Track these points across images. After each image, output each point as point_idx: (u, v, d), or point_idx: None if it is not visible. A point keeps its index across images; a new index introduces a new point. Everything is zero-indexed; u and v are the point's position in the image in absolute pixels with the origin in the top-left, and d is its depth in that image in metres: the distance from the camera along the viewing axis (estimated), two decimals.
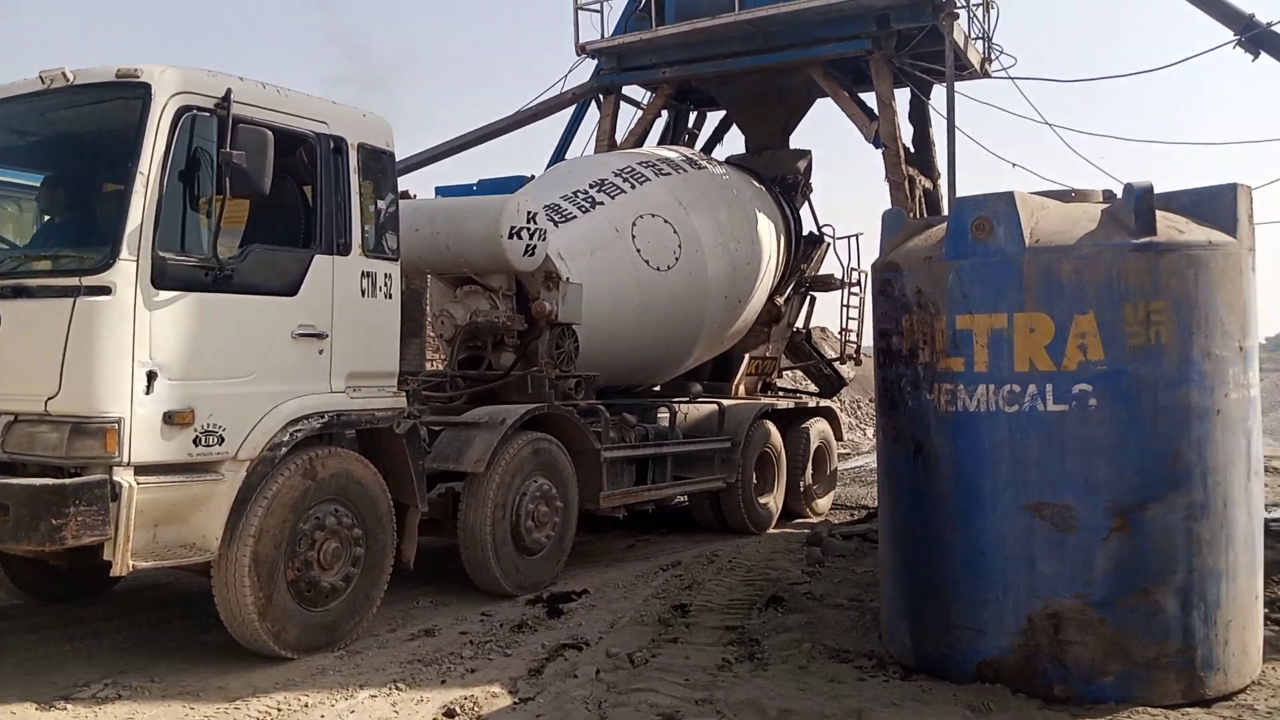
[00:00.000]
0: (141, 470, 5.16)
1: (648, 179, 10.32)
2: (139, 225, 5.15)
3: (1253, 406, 5.41)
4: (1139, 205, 5.11)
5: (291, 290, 5.88)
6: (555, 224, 8.95)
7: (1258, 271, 5.51)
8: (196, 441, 5.39)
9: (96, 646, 6.24)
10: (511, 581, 7.58)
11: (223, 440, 5.50)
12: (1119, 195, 5.38)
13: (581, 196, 9.72)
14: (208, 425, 5.43)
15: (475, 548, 7.43)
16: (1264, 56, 11.45)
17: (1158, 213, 5.12)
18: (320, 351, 6.02)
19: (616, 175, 10.17)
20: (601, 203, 9.75)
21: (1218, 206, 5.31)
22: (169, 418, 5.26)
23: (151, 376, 5.20)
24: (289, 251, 5.97)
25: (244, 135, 5.37)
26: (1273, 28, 11.24)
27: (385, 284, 6.42)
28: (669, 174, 10.65)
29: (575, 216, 9.43)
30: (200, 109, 5.42)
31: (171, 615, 6.99)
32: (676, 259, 9.93)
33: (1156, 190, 5.19)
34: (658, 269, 9.73)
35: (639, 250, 9.62)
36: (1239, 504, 5.27)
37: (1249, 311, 5.34)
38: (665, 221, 9.97)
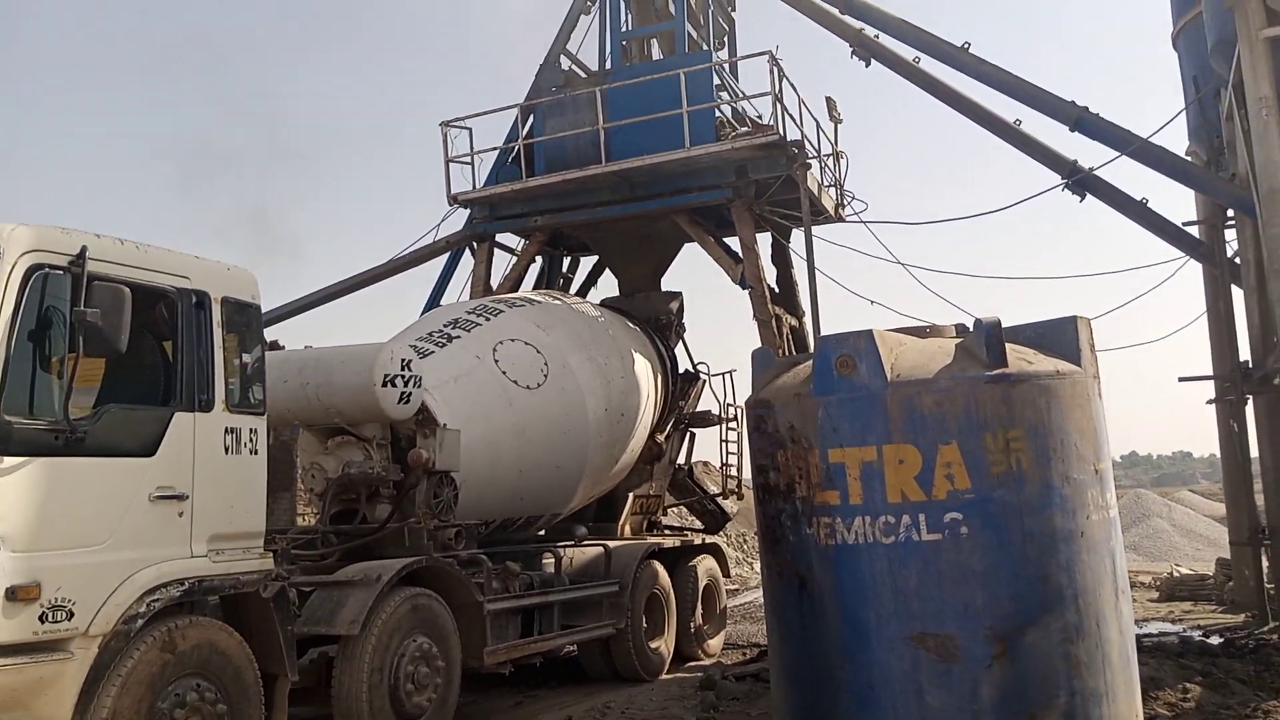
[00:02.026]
0: None
1: (501, 311, 10.66)
2: None
3: (1113, 527, 5.64)
4: (989, 339, 5.39)
5: (149, 450, 5.62)
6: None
7: (1104, 396, 5.84)
8: (43, 618, 5.00)
9: None
10: None
11: (72, 615, 5.11)
12: (970, 329, 5.66)
13: (438, 335, 9.88)
14: (56, 599, 5.05)
15: (351, 717, 7.00)
16: (1090, 197, 12.46)
17: (1007, 345, 5.40)
18: (180, 514, 5.72)
19: (470, 314, 10.48)
20: (458, 336, 9.93)
21: (1062, 338, 5.65)
22: (12, 594, 4.88)
23: None
24: (147, 410, 5.73)
25: (99, 293, 5.21)
26: (1094, 173, 12.27)
27: (250, 439, 6.20)
28: (522, 305, 11.00)
29: (433, 351, 9.47)
30: (53, 266, 5.24)
31: None
32: (545, 375, 10.02)
33: (1004, 324, 5.48)
34: (527, 387, 9.79)
35: (504, 372, 9.71)
36: (1111, 623, 5.42)
37: (1100, 435, 5.62)
38: (526, 344, 10.16)
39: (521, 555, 9.49)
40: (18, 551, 4.94)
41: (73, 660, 5.10)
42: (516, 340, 10.14)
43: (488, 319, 10.38)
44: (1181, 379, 14.43)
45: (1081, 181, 12.42)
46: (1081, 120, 12.44)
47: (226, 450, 6.03)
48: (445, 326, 10.06)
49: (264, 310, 6.74)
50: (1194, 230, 13.89)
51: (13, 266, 5.12)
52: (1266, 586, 12.92)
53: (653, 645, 10.64)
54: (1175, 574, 18.09)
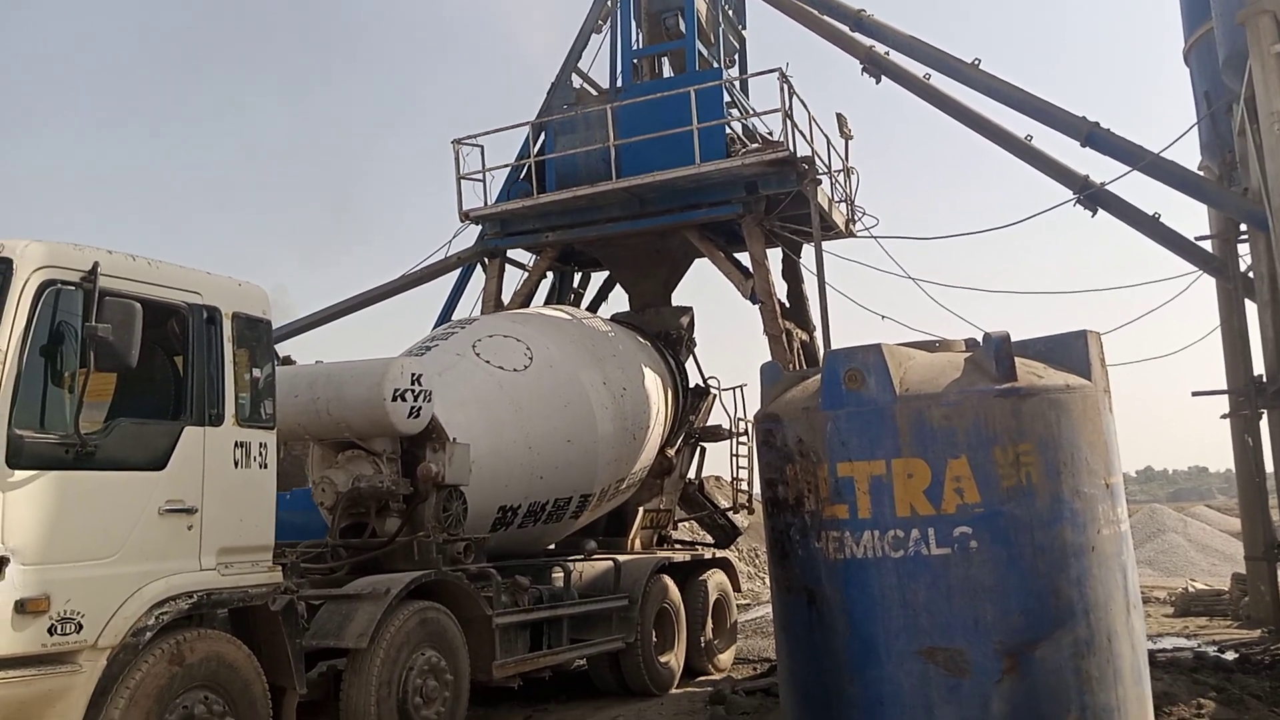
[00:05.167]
0: None
1: (475, 319, 11.35)
2: None
3: (1125, 541, 5.59)
4: (999, 353, 5.38)
5: (159, 464, 5.64)
6: None
7: (1116, 410, 5.81)
8: (52, 630, 5.01)
9: None
10: None
11: (81, 628, 5.13)
12: (980, 343, 5.65)
13: (416, 350, 10.16)
14: (65, 612, 5.06)
15: None
16: (1102, 212, 12.43)
17: (1016, 359, 5.39)
18: (189, 527, 5.74)
19: (445, 329, 11.00)
20: (435, 345, 10.24)
21: (1071, 352, 5.63)
22: (21, 606, 4.90)
23: (3, 562, 4.86)
24: (157, 424, 5.76)
25: (111, 308, 5.25)
26: (1105, 187, 12.24)
27: (260, 453, 6.22)
28: (498, 313, 11.65)
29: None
30: (65, 283, 5.29)
31: None
32: (530, 358, 10.17)
33: (1013, 337, 5.47)
34: (514, 369, 9.93)
35: (487, 361, 9.89)
36: (1122, 638, 5.38)
37: (1111, 450, 5.59)
38: (505, 336, 10.41)
39: (531, 569, 9.48)
40: (27, 564, 4.95)
41: (81, 673, 5.11)
42: (495, 335, 10.39)
43: (463, 327, 10.90)
44: (1195, 393, 14.36)
45: (1093, 196, 12.39)
46: (1093, 135, 12.43)
47: (236, 464, 6.05)
48: (422, 343, 10.42)
49: (275, 326, 6.79)
50: (1207, 245, 13.84)
51: (25, 282, 5.17)
52: None
53: (662, 659, 10.60)
54: (1190, 589, 17.94)
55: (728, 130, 12.49)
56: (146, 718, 5.33)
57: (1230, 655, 10.81)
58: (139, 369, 5.42)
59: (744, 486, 13.48)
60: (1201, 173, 14.27)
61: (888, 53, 13.44)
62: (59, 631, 5.03)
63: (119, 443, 5.46)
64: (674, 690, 10.58)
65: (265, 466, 6.26)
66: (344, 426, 8.37)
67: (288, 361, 10.73)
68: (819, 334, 12.80)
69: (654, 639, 10.43)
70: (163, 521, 5.61)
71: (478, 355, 9.92)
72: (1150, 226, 12.45)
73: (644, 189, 12.38)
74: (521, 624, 8.84)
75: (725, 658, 11.99)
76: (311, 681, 6.62)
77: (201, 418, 5.89)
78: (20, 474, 5.00)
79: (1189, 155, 16.19)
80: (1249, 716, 7.72)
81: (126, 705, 5.25)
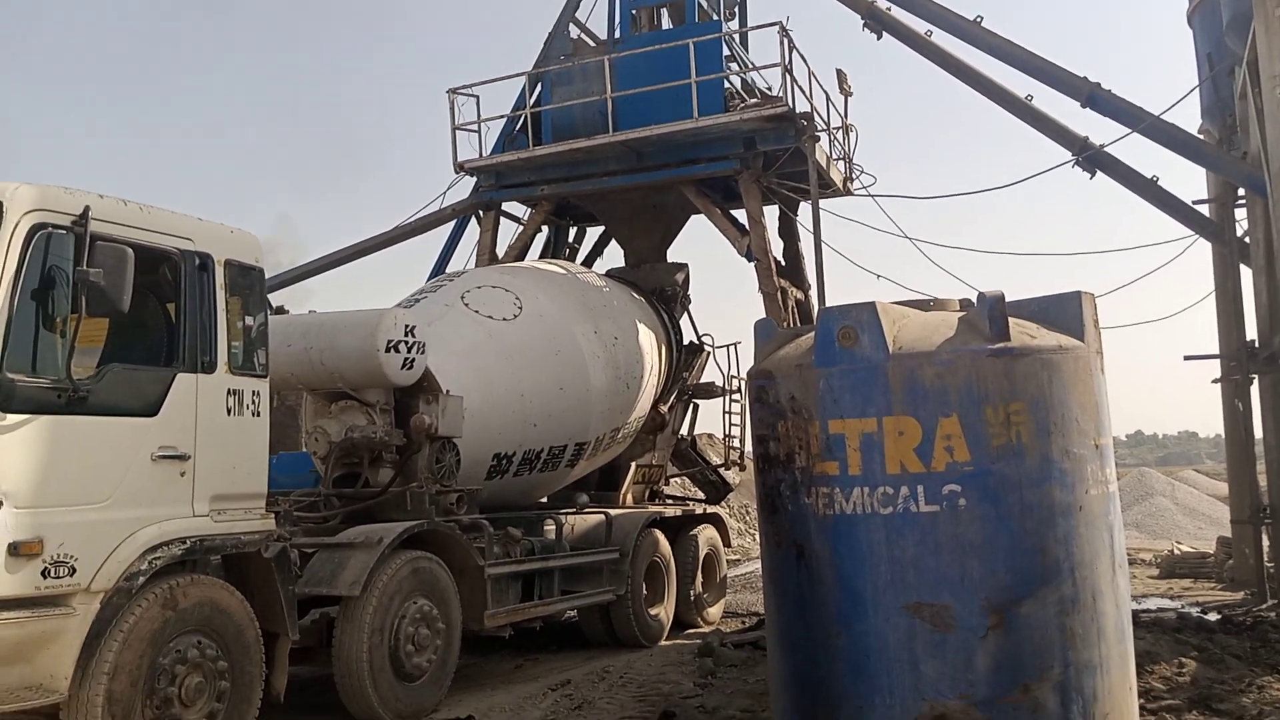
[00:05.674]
0: None
1: (463, 272, 11.41)
2: None
3: (1113, 502, 5.62)
4: (992, 313, 5.36)
5: (152, 410, 5.66)
6: None
7: (1107, 374, 5.81)
8: (45, 573, 5.06)
9: None
10: (391, 711, 7.23)
11: (74, 571, 5.17)
12: (975, 303, 5.63)
13: (407, 302, 10.15)
14: (58, 555, 5.11)
15: (351, 676, 7.08)
16: (1100, 175, 12.37)
17: (1010, 319, 5.37)
18: (182, 474, 5.77)
19: (434, 283, 11.03)
20: (423, 298, 10.23)
21: (1065, 313, 5.61)
22: (14, 549, 4.94)
23: None
24: (149, 370, 5.77)
25: (102, 253, 5.22)
26: (1105, 149, 12.17)
27: (253, 401, 6.23)
28: (488, 266, 11.71)
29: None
30: (56, 226, 5.25)
31: None
32: (519, 308, 10.19)
33: (1008, 298, 5.45)
34: (503, 319, 9.96)
35: (476, 310, 9.90)
36: (1107, 597, 5.42)
37: (1101, 411, 5.60)
38: (493, 287, 10.42)
39: (523, 522, 9.55)
40: (20, 508, 4.98)
41: (75, 615, 5.16)
42: (483, 286, 10.38)
43: (452, 280, 10.92)
44: (1187, 358, 14.40)
45: (1092, 158, 12.32)
46: (1093, 96, 12.32)
47: (229, 412, 6.06)
48: (412, 296, 10.40)
49: (268, 276, 6.76)
50: (1204, 209, 13.79)
51: (15, 225, 5.14)
52: (1266, 565, 12.94)
53: (652, 612, 10.71)
54: (1176, 552, 18.12)
55: (726, 84, 12.37)
56: (140, 660, 5.39)
57: (1213, 616, 10.94)
58: (131, 315, 5.42)
59: (736, 444, 13.54)
60: (1201, 136, 14.19)
61: (889, 8, 13.27)
62: (52, 575, 5.08)
63: (111, 388, 5.46)
64: (663, 642, 10.71)
65: (258, 415, 6.28)
66: (337, 377, 8.37)
67: (281, 311, 10.71)
68: (814, 292, 12.79)
69: (644, 592, 10.54)
70: (155, 467, 5.63)
71: (466, 305, 9.91)
72: (1148, 189, 12.40)
73: (641, 143, 12.28)
74: (513, 575, 8.92)
75: (714, 611, 12.12)
76: (304, 628, 6.70)
77: (194, 365, 5.89)
78: (12, 418, 5.02)
79: (1190, 118, 16.08)
80: (1229, 675, 7.83)
81: (120, 647, 5.31)
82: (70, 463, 5.24)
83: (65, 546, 5.13)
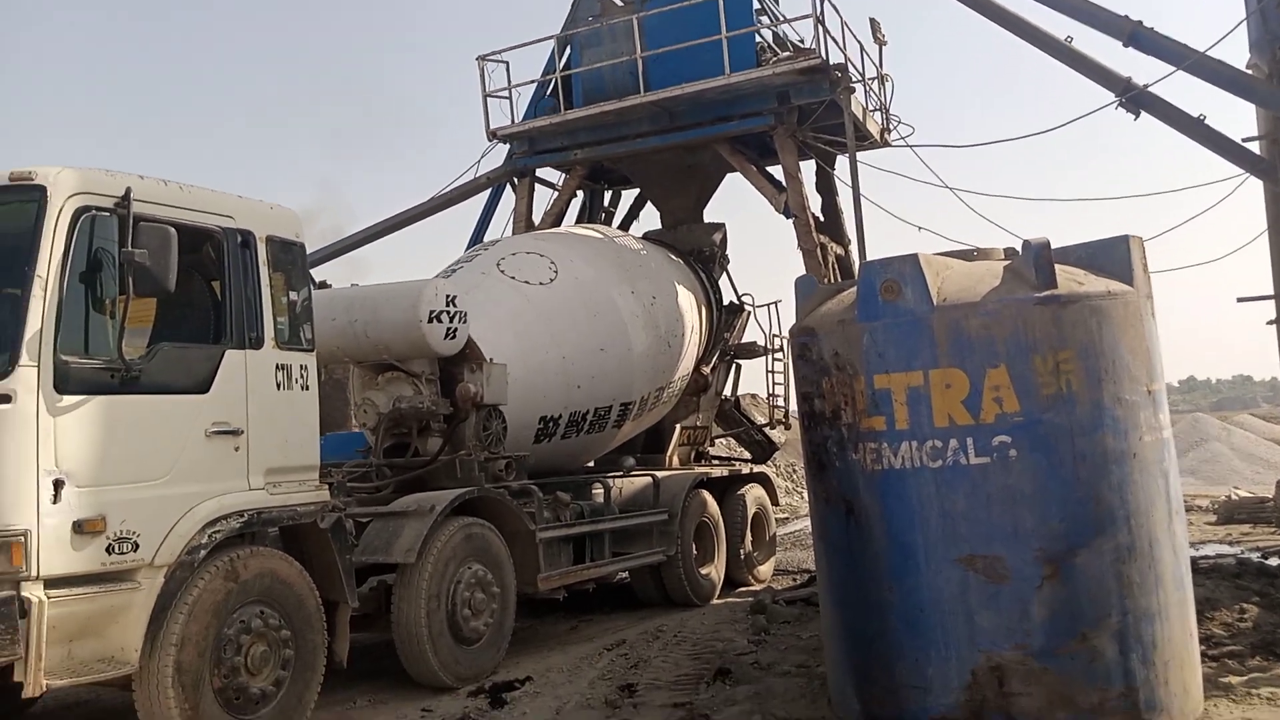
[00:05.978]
0: (52, 583, 4.94)
1: (498, 240, 11.60)
2: (39, 330, 5.01)
3: (1167, 448, 5.54)
4: (1038, 260, 5.27)
5: (203, 388, 5.75)
6: None
7: (1158, 319, 5.70)
8: (109, 550, 5.19)
9: None
10: (451, 673, 7.37)
11: (137, 547, 5.30)
12: (1019, 252, 5.54)
13: (444, 272, 10.23)
14: (121, 532, 5.23)
15: (411, 641, 7.21)
16: (1145, 115, 12.05)
17: (1056, 266, 5.28)
18: (236, 449, 5.87)
19: (474, 250, 11.23)
20: (459, 268, 10.31)
21: (1113, 257, 5.50)
22: (79, 527, 5.06)
23: (58, 485, 5.01)
24: (199, 348, 5.86)
25: (146, 233, 5.28)
26: (1149, 89, 11.84)
27: (301, 376, 6.31)
28: (519, 235, 11.79)
29: None
30: (99, 209, 5.32)
31: None
32: (555, 272, 10.19)
33: (1053, 245, 5.35)
34: (540, 283, 9.98)
35: (513, 277, 9.94)
36: (1164, 544, 5.36)
37: (1153, 357, 5.50)
38: (528, 253, 10.45)
39: (571, 486, 9.63)
40: (82, 487, 5.10)
41: (140, 590, 5.29)
42: (518, 253, 10.42)
43: (486, 249, 11.02)
44: (1240, 299, 14.05)
45: (1136, 99, 11.95)
46: (1136, 35, 11.94)
47: (278, 386, 6.14)
48: (450, 266, 10.48)
49: (309, 251, 6.81)
50: (1254, 146, 13.39)
51: (60, 209, 5.21)
52: None
53: (703, 571, 10.77)
54: (1233, 497, 17.85)
55: (758, 39, 12.17)
56: (206, 631, 5.52)
57: (1274, 561, 10.78)
58: (177, 294, 5.49)
59: (780, 403, 13.50)
60: (1250, 71, 13.76)
61: None
62: (116, 551, 5.21)
63: (162, 367, 5.56)
64: (715, 601, 10.78)
65: (307, 388, 6.36)
66: (382, 349, 8.45)
67: (323, 286, 10.81)
68: (854, 247, 12.62)
69: (694, 552, 10.59)
70: (210, 443, 5.73)
71: (502, 272, 9.95)
72: (1195, 129, 12.03)
73: (673, 102, 12.16)
74: (564, 538, 9.01)
75: (765, 569, 12.17)
76: (363, 596, 6.82)
77: (241, 341, 5.96)
78: (69, 399, 5.11)
79: (1237, 54, 15.55)
80: None
81: (186, 619, 5.44)
82: (127, 441, 5.34)
83: (127, 523, 5.25)
